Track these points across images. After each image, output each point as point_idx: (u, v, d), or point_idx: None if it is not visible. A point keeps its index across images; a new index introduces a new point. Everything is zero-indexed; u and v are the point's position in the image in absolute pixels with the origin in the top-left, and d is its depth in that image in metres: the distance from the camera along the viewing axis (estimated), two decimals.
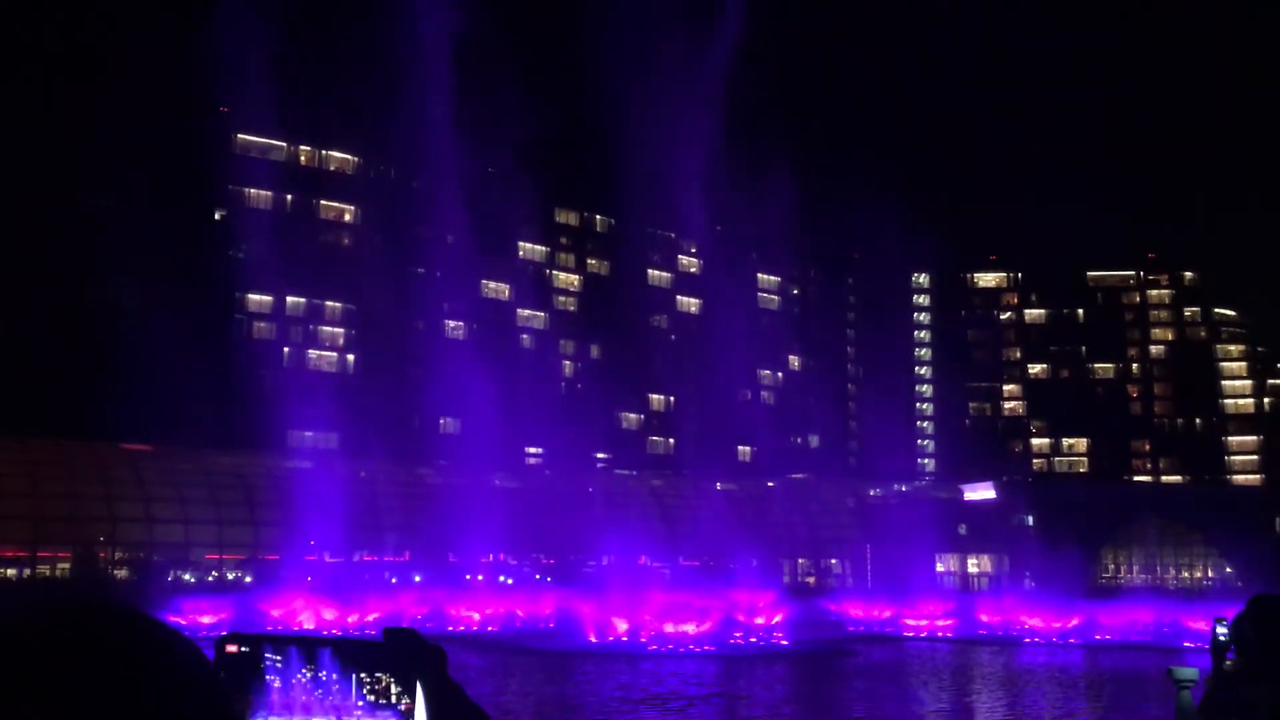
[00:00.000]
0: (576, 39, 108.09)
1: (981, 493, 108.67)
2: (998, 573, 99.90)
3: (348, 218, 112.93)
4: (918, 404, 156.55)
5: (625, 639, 53.32)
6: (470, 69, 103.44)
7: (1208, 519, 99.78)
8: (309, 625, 56.37)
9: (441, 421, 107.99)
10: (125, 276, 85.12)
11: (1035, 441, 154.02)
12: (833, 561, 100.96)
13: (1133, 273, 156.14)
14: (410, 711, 4.10)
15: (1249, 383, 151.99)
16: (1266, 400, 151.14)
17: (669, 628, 54.05)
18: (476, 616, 64.93)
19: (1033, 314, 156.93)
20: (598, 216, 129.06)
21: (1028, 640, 61.66)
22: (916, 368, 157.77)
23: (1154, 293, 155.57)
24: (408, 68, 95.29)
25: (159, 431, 79.83)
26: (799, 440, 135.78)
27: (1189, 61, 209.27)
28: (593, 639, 53.77)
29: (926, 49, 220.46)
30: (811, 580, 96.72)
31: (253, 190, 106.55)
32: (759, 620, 58.16)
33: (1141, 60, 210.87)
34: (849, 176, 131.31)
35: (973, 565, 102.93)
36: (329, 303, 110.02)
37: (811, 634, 59.27)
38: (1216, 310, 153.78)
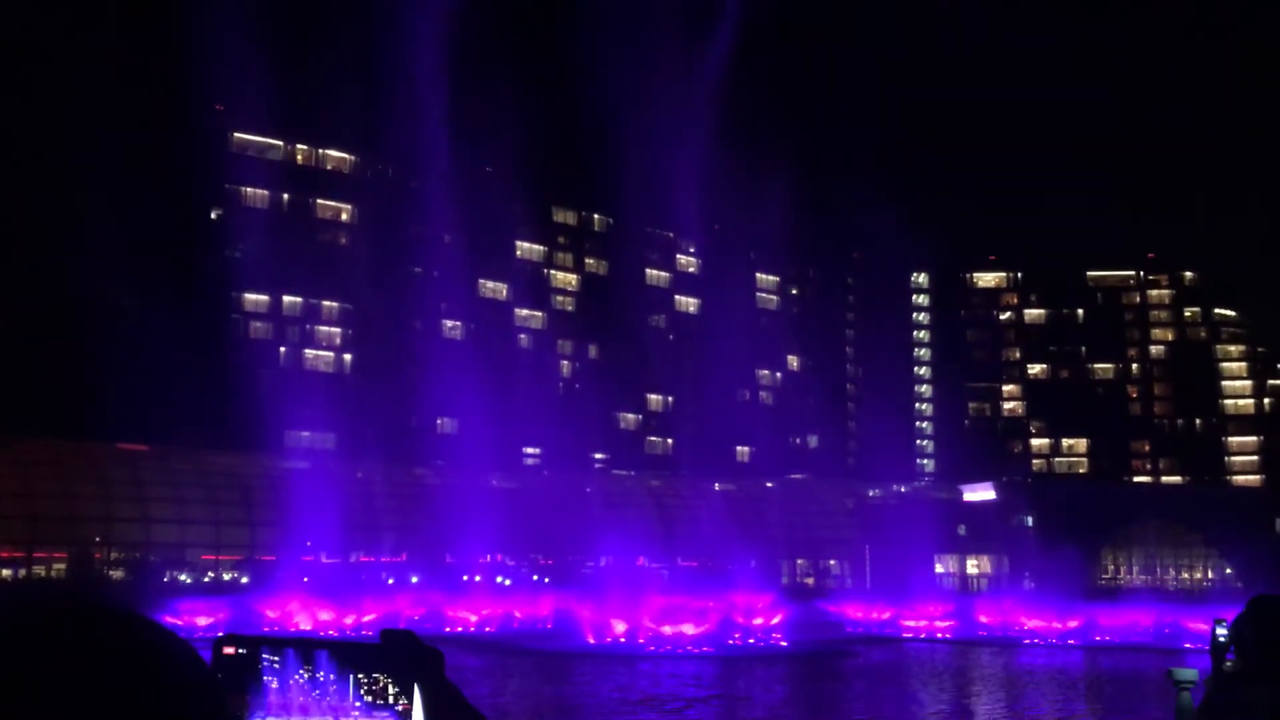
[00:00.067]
0: (574, 37, 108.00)
1: (981, 493, 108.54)
2: (997, 574, 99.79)
3: (344, 217, 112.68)
4: (917, 404, 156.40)
5: (623, 640, 53.15)
6: (467, 68, 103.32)
7: (1208, 520, 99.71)
8: (305, 626, 56.15)
9: (439, 421, 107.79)
10: (121, 276, 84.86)
11: (1035, 442, 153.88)
12: (831, 562, 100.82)
13: (1133, 273, 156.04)
14: (408, 712, 3.97)
15: (1249, 383, 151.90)
16: (1266, 401, 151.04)
17: (667, 629, 53.88)
18: (474, 617, 64.74)
19: (1032, 314, 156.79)
20: (596, 216, 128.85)
21: (1027, 641, 61.52)
22: (916, 368, 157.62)
23: (1154, 293, 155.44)
24: (405, 66, 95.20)
25: (155, 431, 79.64)
26: (797, 440, 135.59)
27: (1189, 61, 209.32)
28: (591, 640, 53.59)
29: (926, 48, 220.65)
30: (810, 581, 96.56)
31: (249, 189, 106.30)
32: (757, 621, 58.01)
33: (1141, 59, 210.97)
34: (848, 176, 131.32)
35: (972, 566, 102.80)
36: (326, 302, 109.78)
37: (810, 635, 59.13)
38: (1216, 310, 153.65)
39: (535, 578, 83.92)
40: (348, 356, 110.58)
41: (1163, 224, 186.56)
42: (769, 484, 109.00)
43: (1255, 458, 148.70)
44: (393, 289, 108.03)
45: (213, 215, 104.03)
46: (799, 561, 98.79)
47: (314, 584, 67.08)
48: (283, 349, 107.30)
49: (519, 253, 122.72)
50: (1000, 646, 59.86)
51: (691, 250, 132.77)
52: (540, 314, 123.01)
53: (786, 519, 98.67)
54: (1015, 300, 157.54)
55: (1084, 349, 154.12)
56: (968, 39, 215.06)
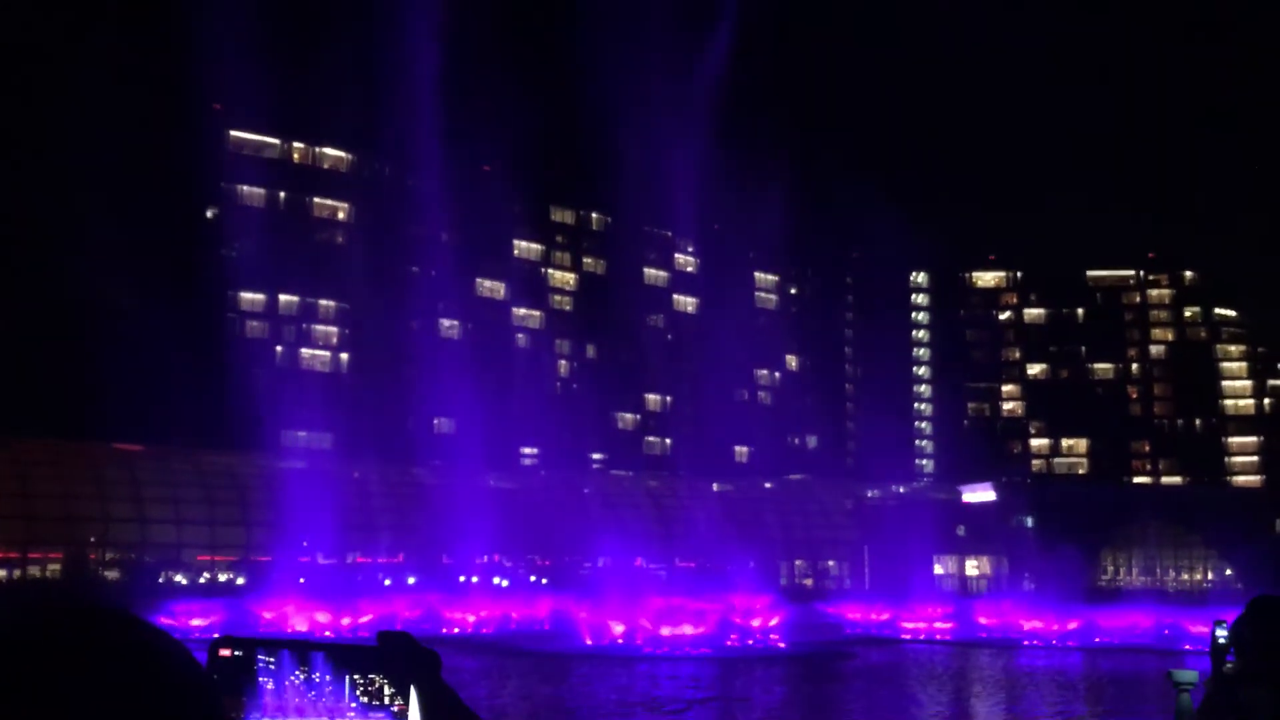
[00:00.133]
0: (573, 37, 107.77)
1: (980, 494, 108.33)
2: (996, 575, 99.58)
3: (341, 216, 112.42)
4: (916, 404, 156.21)
5: (621, 641, 52.92)
6: (465, 66, 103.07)
7: (1208, 520, 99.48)
8: (302, 628, 55.90)
9: (436, 421, 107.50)
10: (118, 275, 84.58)
11: (1034, 442, 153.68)
12: (830, 563, 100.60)
13: (1132, 272, 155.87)
14: (404, 713, 3.82)
15: (1249, 383, 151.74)
16: (1267, 401, 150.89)
17: (665, 630, 53.65)
18: (471, 619, 64.51)
19: (1032, 314, 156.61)
20: (594, 215, 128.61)
21: (1026, 643, 61.32)
22: (915, 368, 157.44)
23: (1154, 292, 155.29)
24: (402, 65, 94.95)
25: (151, 431, 79.38)
26: (796, 441, 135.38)
27: (1188, 60, 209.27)
28: (588, 641, 53.36)
29: (925, 48, 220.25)
30: (809, 582, 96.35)
31: (246, 188, 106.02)
32: (756, 623, 57.80)
33: (1141, 59, 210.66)
34: (847, 175, 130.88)
35: (971, 567, 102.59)
36: (322, 301, 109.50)
37: (809, 636, 58.95)
38: (1217, 310, 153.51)
39: (533, 579, 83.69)
40: (344, 356, 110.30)
41: (1163, 224, 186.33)
42: (767, 484, 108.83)
43: (1255, 458, 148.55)
44: (390, 288, 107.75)
45: (209, 214, 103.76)
46: (797, 562, 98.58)
47: (310, 585, 66.86)
48: (279, 348, 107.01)
49: (517, 252, 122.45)
50: (999, 648, 59.68)
51: (690, 250, 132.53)
52: (538, 313, 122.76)
53: (785, 520, 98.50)
54: (1015, 300, 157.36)
55: (1084, 349, 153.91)
56: (968, 39, 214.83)
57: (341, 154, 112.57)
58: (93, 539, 74.76)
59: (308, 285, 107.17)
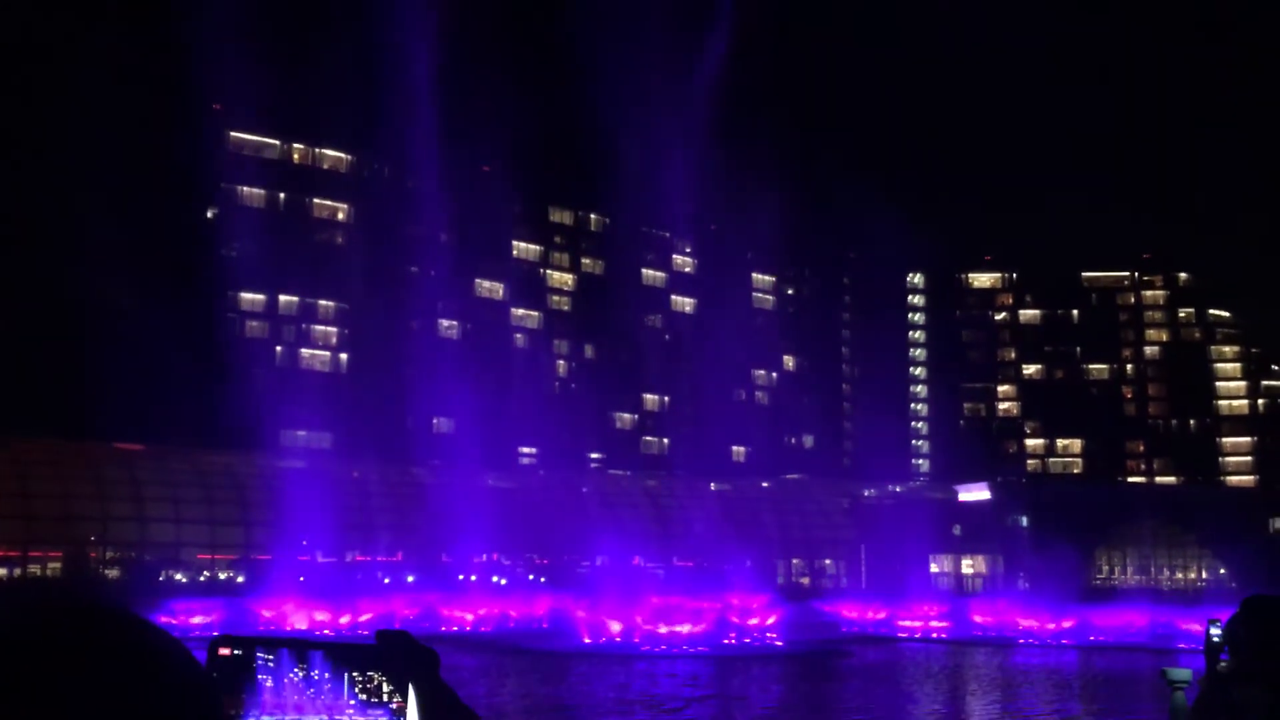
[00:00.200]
0: (572, 37, 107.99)
1: (976, 493, 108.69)
2: (992, 574, 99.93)
3: (341, 216, 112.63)
4: (912, 404, 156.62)
5: (619, 640, 53.17)
6: (464, 67, 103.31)
7: (1202, 520, 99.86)
8: (301, 626, 56.12)
9: (435, 421, 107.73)
10: (117, 275, 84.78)
11: (1030, 442, 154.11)
12: (827, 562, 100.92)
13: (1127, 273, 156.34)
14: (402, 711, 4.02)
15: (1243, 384, 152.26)
16: (1260, 401, 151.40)
17: (663, 629, 53.92)
18: (470, 617, 64.74)
19: (1027, 314, 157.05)
20: (592, 215, 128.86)
21: (1022, 641, 61.57)
22: (911, 368, 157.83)
23: (1148, 293, 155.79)
24: (401, 66, 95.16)
25: (151, 431, 79.56)
26: (793, 440, 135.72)
27: (1188, 60, 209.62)
28: (586, 640, 53.60)
29: (925, 48, 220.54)
30: (806, 581, 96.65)
31: (245, 189, 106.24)
32: (753, 621, 58.05)
33: (1141, 59, 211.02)
34: (845, 176, 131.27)
35: (967, 566, 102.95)
36: (322, 301, 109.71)
37: (806, 635, 59.16)
38: (1211, 311, 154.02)
39: (531, 577, 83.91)
40: (344, 356, 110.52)
41: (1159, 224, 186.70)
42: (765, 484, 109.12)
43: (1249, 458, 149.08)
44: (389, 288, 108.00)
45: (209, 214, 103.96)
46: (794, 561, 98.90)
47: (309, 584, 67.07)
48: (279, 348, 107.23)
49: (515, 252, 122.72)
50: (995, 646, 59.92)
51: (688, 250, 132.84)
52: (536, 314, 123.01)
53: (782, 519, 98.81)
54: (1010, 301, 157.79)
55: (1079, 349, 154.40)
56: (968, 39, 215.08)
57: (341, 155, 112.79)
58: (93, 538, 74.94)
59: (307, 285, 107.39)
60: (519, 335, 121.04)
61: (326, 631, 55.65)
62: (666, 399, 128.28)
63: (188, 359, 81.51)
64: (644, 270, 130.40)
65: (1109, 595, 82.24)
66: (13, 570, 71.24)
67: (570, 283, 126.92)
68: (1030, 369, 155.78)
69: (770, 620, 58.81)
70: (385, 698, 4.06)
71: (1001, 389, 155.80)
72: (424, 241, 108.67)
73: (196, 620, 53.98)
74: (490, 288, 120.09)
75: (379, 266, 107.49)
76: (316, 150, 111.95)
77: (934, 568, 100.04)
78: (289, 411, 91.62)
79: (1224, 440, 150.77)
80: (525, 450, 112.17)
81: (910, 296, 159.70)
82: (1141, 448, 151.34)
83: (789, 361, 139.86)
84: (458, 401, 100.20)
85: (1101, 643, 58.95)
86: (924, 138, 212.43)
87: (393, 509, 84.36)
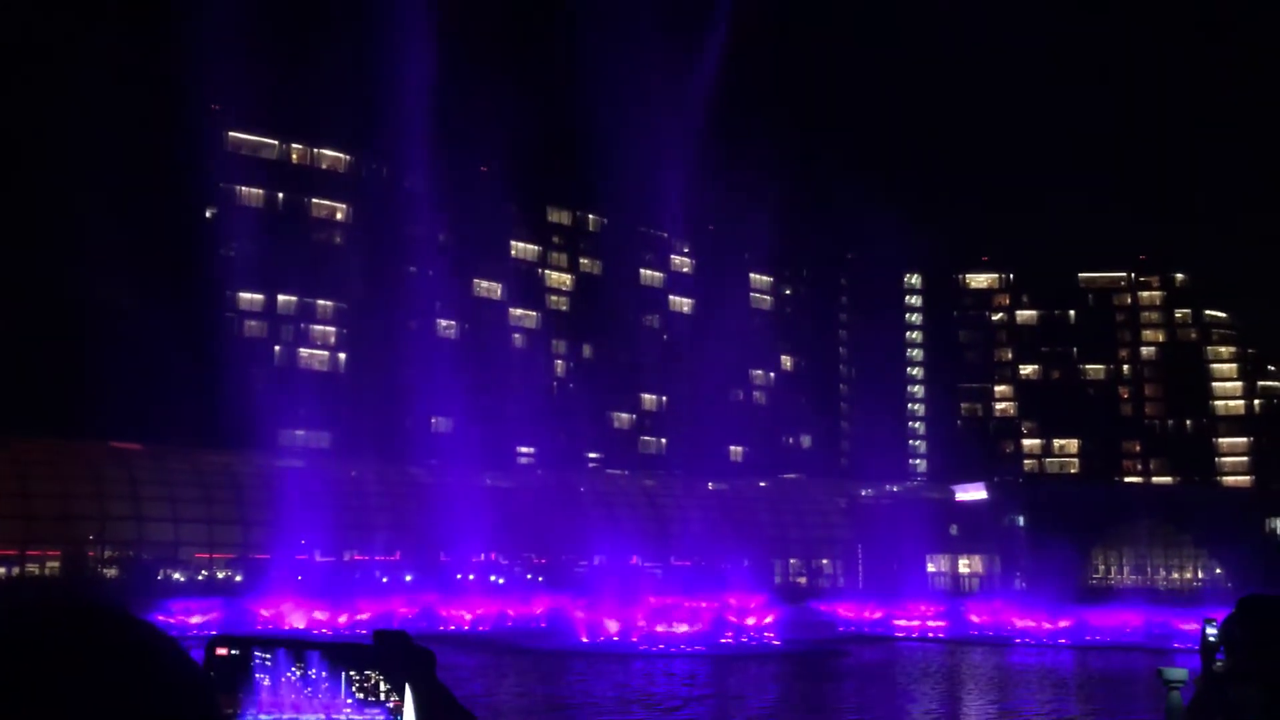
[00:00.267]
0: (570, 38, 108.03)
1: (973, 493, 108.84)
2: (989, 573, 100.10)
3: (339, 216, 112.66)
4: (909, 404, 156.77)
5: (617, 639, 53.27)
6: (462, 68, 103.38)
7: (1198, 520, 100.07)
8: (299, 625, 56.19)
9: (433, 421, 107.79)
10: (116, 275, 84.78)
11: (1026, 442, 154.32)
12: (824, 562, 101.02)
13: (1124, 274, 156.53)
14: (398, 709, 4.09)
15: (1239, 384, 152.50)
16: (1256, 402, 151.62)
17: (660, 628, 54.02)
18: (468, 616, 64.84)
19: (1024, 315, 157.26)
20: (590, 215, 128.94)
21: (1018, 641, 61.72)
22: (908, 368, 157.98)
23: (1145, 294, 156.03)
24: (399, 67, 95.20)
25: (149, 430, 79.60)
26: (791, 440, 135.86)
27: (1188, 60, 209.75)
28: (584, 639, 53.70)
29: (925, 48, 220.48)
30: (803, 581, 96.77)
31: (244, 188, 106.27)
32: (750, 621, 58.19)
33: (1141, 59, 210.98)
34: (843, 176, 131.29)
35: (964, 566, 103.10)
36: (320, 301, 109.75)
37: (802, 634, 59.29)
38: (1207, 312, 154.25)
39: (529, 577, 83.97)
40: (342, 355, 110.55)
41: (1158, 225, 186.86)
42: (762, 484, 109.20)
43: (1245, 458, 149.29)
44: (387, 288, 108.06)
45: (208, 214, 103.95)
46: (792, 561, 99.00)
47: (308, 583, 67.14)
48: (277, 348, 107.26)
49: (513, 252, 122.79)
50: (992, 646, 60.07)
51: (686, 250, 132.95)
52: (534, 314, 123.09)
53: (779, 519, 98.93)
54: (1007, 301, 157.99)
55: (1075, 350, 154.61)
56: (968, 39, 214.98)
57: (339, 155, 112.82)
58: (91, 537, 74.94)
59: (306, 285, 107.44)
60: (517, 335, 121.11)
61: (325, 631, 55.73)
62: (664, 399, 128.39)
63: (186, 359, 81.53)
64: (642, 270, 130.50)
65: (1105, 595, 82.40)
66: (11, 570, 71.24)
67: (568, 283, 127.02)
68: (1027, 369, 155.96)
69: (767, 620, 58.93)
70: (382, 697, 4.12)
71: (998, 389, 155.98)
72: (422, 241, 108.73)
73: (195, 620, 54.05)
74: (488, 288, 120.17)
75: (377, 266, 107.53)
76: (315, 150, 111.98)
77: (931, 567, 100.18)
78: (287, 411, 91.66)
79: (1220, 440, 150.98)
80: (523, 450, 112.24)
81: (907, 297, 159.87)
82: (1138, 448, 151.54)
83: (786, 362, 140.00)
84: (456, 401, 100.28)
85: (1098, 642, 59.11)
86: (923, 138, 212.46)
87: (391, 508, 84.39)
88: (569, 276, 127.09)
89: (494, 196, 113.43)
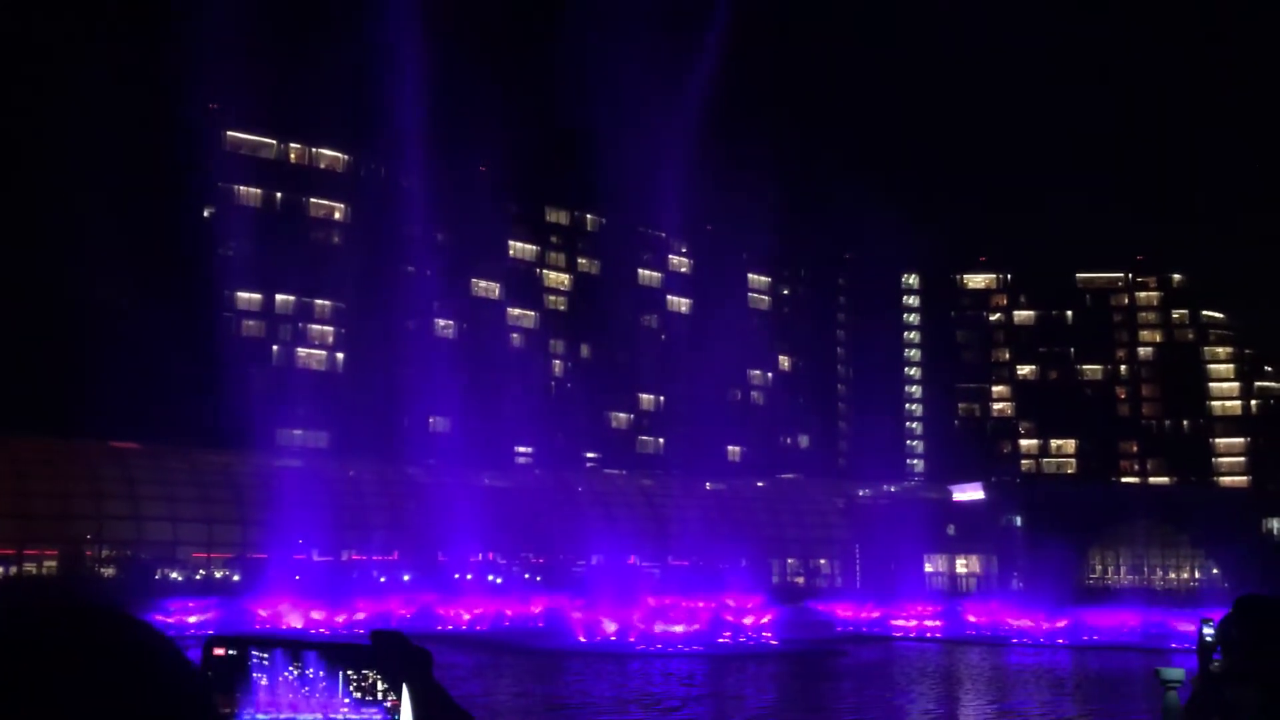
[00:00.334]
0: (568, 37, 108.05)
1: (970, 493, 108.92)
2: (986, 573, 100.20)
3: (337, 216, 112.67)
4: (907, 404, 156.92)
5: (614, 639, 53.27)
6: (460, 67, 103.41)
7: (1195, 520, 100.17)
8: (297, 625, 56.20)
9: (431, 420, 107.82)
10: (114, 274, 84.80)
11: (1024, 442, 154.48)
12: (822, 562, 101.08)
13: (1121, 274, 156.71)
14: (395, 708, 4.12)
15: (1236, 384, 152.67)
16: (1254, 402, 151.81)
17: (658, 628, 54.04)
18: (465, 616, 64.85)
19: (1021, 315, 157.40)
20: (588, 215, 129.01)
21: (1015, 641, 61.76)
22: (906, 368, 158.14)
23: (1142, 294, 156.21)
24: (397, 66, 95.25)
25: (147, 429, 79.58)
26: (788, 440, 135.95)
27: (1188, 60, 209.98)
28: (582, 639, 53.71)
29: (925, 48, 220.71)
30: (800, 580, 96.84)
31: (242, 188, 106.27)
32: (748, 620, 58.24)
33: (1141, 59, 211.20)
34: (842, 176, 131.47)
35: (961, 566, 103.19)
36: (318, 301, 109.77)
37: (800, 634, 59.31)
38: (1205, 312, 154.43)
39: (527, 576, 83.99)
40: (340, 355, 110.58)
41: (1156, 225, 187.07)
42: (760, 484, 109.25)
43: (1242, 459, 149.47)
44: (385, 288, 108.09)
45: (206, 214, 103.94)
46: (789, 561, 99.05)
47: (305, 582, 67.14)
48: (275, 347, 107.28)
49: (511, 252, 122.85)
50: (989, 646, 60.10)
51: (684, 250, 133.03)
52: (532, 313, 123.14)
53: (777, 519, 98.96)
54: (1005, 302, 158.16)
55: (1073, 350, 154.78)
56: (968, 39, 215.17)
57: (337, 154, 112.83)
58: (88, 536, 74.90)
59: (304, 285, 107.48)
60: (515, 335, 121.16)
61: (322, 630, 55.74)
62: (662, 399, 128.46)
63: (184, 358, 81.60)
64: (640, 270, 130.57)
65: (1102, 595, 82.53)
66: (8, 569, 71.20)
67: (566, 283, 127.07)
68: (1024, 369, 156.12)
69: (765, 619, 59.00)
70: (379, 697, 4.14)
71: (996, 389, 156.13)
72: (420, 241, 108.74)
73: (192, 619, 54.05)
74: (486, 287, 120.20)
75: (375, 266, 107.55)
76: (313, 150, 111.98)
77: (928, 567, 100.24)
78: (285, 411, 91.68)
79: (1217, 441, 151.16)
80: (521, 450, 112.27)
81: (905, 297, 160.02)
82: (1135, 448, 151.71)
83: (784, 362, 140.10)
84: (454, 401, 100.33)
85: (1095, 642, 59.14)
86: (922, 138, 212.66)
87: (388, 508, 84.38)
88: (567, 276, 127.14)
89: (492, 196, 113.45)
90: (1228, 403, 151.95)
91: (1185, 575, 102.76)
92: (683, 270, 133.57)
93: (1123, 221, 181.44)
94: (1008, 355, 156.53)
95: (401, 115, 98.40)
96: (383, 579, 77.45)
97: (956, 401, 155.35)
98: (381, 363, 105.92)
